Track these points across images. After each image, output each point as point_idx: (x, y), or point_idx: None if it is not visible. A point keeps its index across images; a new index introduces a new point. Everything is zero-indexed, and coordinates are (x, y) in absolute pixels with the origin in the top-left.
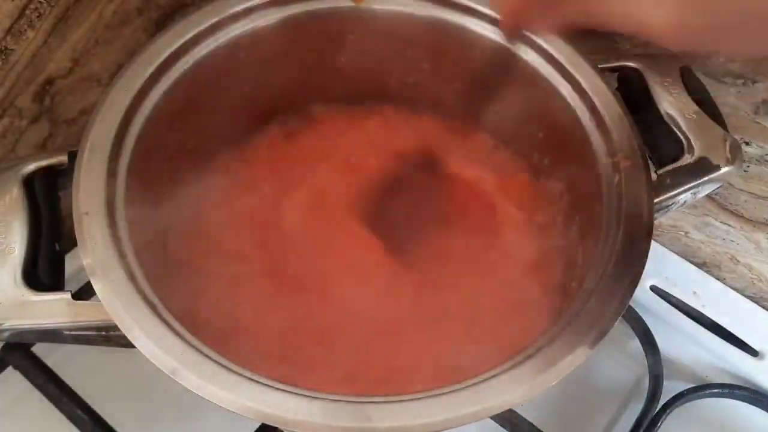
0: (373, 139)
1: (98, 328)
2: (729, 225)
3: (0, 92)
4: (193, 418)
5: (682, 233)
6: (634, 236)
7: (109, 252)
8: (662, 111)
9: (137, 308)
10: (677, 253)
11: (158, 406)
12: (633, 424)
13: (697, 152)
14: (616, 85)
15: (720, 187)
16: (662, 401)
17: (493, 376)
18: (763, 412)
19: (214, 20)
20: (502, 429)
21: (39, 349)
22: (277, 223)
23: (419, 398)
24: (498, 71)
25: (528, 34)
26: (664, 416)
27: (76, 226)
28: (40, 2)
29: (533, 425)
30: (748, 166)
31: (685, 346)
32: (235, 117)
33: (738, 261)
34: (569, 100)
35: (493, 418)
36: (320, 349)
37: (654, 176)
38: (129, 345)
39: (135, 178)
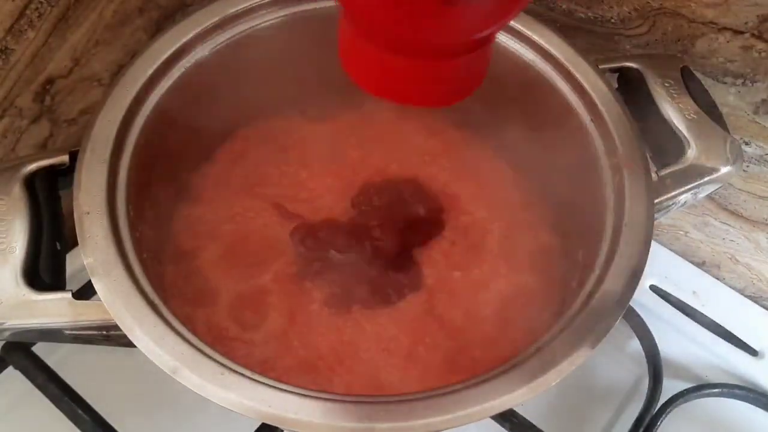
0: (373, 138)
1: (99, 328)
2: (728, 225)
3: (0, 92)
4: (194, 418)
5: (682, 233)
6: (635, 236)
7: (110, 251)
8: (662, 111)
9: (138, 308)
10: (677, 253)
11: (158, 406)
12: (633, 424)
13: (698, 153)
14: (616, 85)
15: (720, 187)
16: (662, 401)
17: (493, 376)
18: (763, 412)
19: (214, 20)
20: (502, 429)
21: (39, 349)
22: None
23: (419, 398)
24: (498, 72)
25: (528, 33)
26: (663, 416)
27: (77, 225)
28: (41, 2)
29: (533, 425)
30: (747, 166)
31: (685, 346)
32: (235, 116)
33: (737, 260)
34: (569, 100)
35: (493, 417)
36: None
37: (654, 176)
38: (129, 344)
39: (136, 178)
